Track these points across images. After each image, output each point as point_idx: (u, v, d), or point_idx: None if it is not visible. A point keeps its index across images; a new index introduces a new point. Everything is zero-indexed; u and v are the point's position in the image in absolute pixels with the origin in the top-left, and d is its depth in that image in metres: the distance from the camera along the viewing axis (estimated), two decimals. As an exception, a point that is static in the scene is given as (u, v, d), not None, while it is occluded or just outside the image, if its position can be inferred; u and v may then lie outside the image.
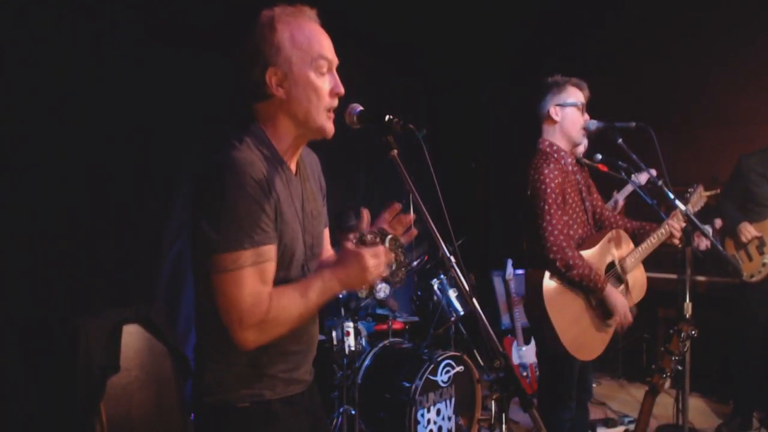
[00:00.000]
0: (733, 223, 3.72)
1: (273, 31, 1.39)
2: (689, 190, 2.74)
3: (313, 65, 1.40)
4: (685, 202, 2.67)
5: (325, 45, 1.43)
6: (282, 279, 1.42)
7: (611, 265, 2.68)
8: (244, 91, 1.44)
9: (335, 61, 1.45)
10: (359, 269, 1.34)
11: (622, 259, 2.70)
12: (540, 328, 2.55)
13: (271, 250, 1.35)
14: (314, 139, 1.49)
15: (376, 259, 1.35)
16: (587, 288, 2.53)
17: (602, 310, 2.61)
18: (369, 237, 1.38)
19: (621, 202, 3.81)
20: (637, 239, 2.74)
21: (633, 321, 2.61)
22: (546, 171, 2.53)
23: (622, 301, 2.57)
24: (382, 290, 1.30)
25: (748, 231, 3.64)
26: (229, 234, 1.29)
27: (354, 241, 1.38)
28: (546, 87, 2.69)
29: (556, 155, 2.63)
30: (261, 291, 1.31)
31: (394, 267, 1.45)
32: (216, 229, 1.29)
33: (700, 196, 2.75)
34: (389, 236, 1.43)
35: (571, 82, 2.67)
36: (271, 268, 1.35)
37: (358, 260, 1.34)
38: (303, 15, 1.43)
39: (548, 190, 2.50)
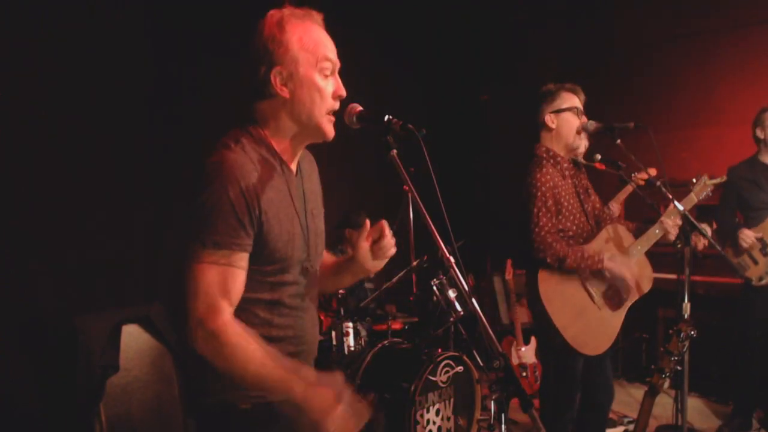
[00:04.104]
0: (732, 232, 3.73)
1: (282, 32, 1.41)
2: (693, 179, 2.75)
3: (318, 67, 1.42)
4: (689, 191, 2.69)
5: (330, 48, 1.45)
6: (281, 281, 1.43)
7: (612, 256, 2.67)
8: (247, 89, 1.45)
9: (338, 64, 1.47)
10: (323, 405, 1.29)
11: (623, 251, 2.70)
12: (543, 327, 2.56)
13: (234, 256, 1.33)
14: (315, 141, 1.51)
15: (343, 417, 1.28)
16: (588, 270, 2.53)
17: (612, 299, 2.60)
18: (360, 391, 1.35)
19: (618, 208, 3.80)
20: (642, 229, 2.73)
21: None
22: (538, 175, 2.56)
23: (623, 268, 2.54)
24: None
25: (748, 236, 3.65)
26: (199, 228, 1.32)
27: (364, 396, 1.36)
28: (540, 96, 2.72)
29: (552, 160, 2.65)
30: (219, 296, 1.31)
31: None
32: (191, 219, 1.34)
33: (704, 185, 2.75)
34: (376, 405, 1.38)
35: (565, 87, 2.70)
36: (233, 274, 1.33)
37: (330, 397, 1.29)
38: (311, 18, 1.45)
39: (538, 194, 2.53)
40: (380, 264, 1.63)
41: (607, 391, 2.77)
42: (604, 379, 2.74)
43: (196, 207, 1.33)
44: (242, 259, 1.36)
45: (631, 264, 2.58)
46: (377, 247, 1.59)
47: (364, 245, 1.59)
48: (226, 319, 1.31)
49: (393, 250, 1.61)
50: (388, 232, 1.59)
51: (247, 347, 1.31)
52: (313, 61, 1.42)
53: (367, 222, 1.60)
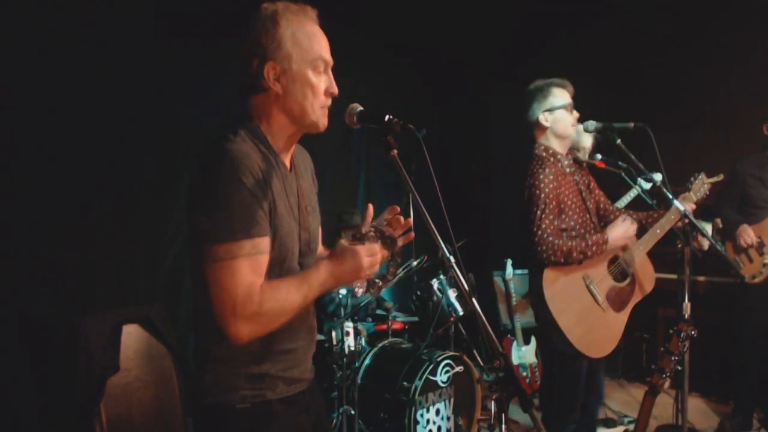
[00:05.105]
0: (732, 226, 3.73)
1: (276, 26, 1.41)
2: (691, 178, 2.75)
3: (312, 64, 1.43)
4: (687, 189, 2.69)
5: (323, 46, 1.46)
6: (278, 275, 1.42)
7: (614, 258, 2.67)
8: (240, 83, 1.45)
9: (331, 62, 1.48)
10: (354, 265, 1.36)
11: (625, 250, 2.69)
12: (547, 330, 2.55)
13: (263, 242, 1.35)
14: (308, 132, 1.50)
15: (371, 257, 1.37)
16: (596, 255, 2.52)
17: (616, 300, 2.59)
18: (366, 234, 1.39)
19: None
20: (645, 228, 2.73)
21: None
22: (541, 176, 2.54)
23: (620, 231, 2.55)
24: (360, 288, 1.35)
25: (748, 235, 3.65)
26: (223, 224, 1.30)
27: (351, 237, 1.39)
28: (531, 94, 2.68)
29: (552, 159, 2.64)
30: (254, 282, 1.31)
31: (386, 266, 1.46)
32: (210, 220, 1.30)
33: (702, 183, 2.75)
34: (386, 235, 1.42)
35: (554, 83, 2.67)
36: (264, 260, 1.35)
37: (353, 256, 1.35)
38: (305, 14, 1.45)
39: (542, 195, 2.51)
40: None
41: (596, 393, 2.76)
42: (594, 381, 2.73)
43: (215, 205, 1.30)
44: (268, 244, 1.37)
45: (623, 227, 2.58)
46: (389, 234, 1.55)
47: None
48: (260, 295, 1.31)
49: (409, 236, 1.55)
50: (402, 219, 1.52)
51: (277, 299, 1.33)
52: (307, 58, 1.42)
53: (370, 207, 1.56)
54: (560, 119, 2.64)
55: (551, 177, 2.54)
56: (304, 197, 1.54)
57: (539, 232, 2.49)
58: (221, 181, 1.31)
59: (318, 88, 1.44)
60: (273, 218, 1.38)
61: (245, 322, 1.30)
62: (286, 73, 1.41)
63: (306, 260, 1.53)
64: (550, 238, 2.48)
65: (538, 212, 2.50)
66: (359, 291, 1.44)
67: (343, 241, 1.37)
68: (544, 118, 2.65)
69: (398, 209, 1.54)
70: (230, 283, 1.29)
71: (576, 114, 2.67)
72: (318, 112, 1.45)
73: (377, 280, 1.45)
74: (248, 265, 1.31)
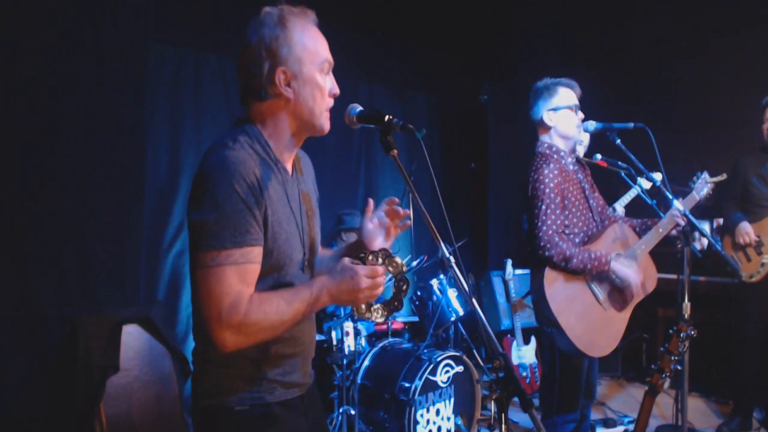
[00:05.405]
0: (734, 223, 3.73)
1: (284, 30, 1.40)
2: (693, 178, 2.75)
3: (320, 66, 1.43)
4: (689, 189, 2.69)
5: (326, 47, 1.47)
6: (279, 281, 1.42)
7: (616, 257, 2.66)
8: (244, 89, 1.44)
9: (333, 63, 1.48)
10: (352, 286, 1.32)
11: (628, 248, 2.69)
12: (548, 329, 2.55)
13: (253, 252, 1.33)
14: (311, 135, 1.51)
15: (372, 280, 1.32)
16: (593, 273, 2.51)
17: (617, 299, 2.59)
18: (370, 256, 1.35)
19: (621, 211, 3.80)
20: (642, 233, 2.73)
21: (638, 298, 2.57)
22: (546, 171, 2.53)
23: (629, 272, 2.52)
24: (379, 313, 1.32)
25: (747, 234, 3.65)
26: (213, 231, 1.29)
27: (354, 257, 1.36)
28: (537, 92, 2.67)
29: (555, 156, 2.63)
30: (241, 291, 1.30)
31: (391, 293, 1.40)
32: (201, 226, 1.30)
33: (704, 183, 2.75)
34: (391, 258, 1.37)
35: (562, 83, 2.65)
36: (253, 269, 1.34)
37: (352, 277, 1.32)
38: (307, 17, 1.46)
39: (546, 190, 2.50)
40: (388, 243, 1.60)
41: (588, 391, 2.76)
42: (590, 381, 2.72)
43: (207, 212, 1.30)
44: (259, 254, 1.35)
45: (635, 267, 2.56)
46: (388, 223, 1.57)
47: (368, 224, 1.58)
48: (247, 305, 1.30)
49: (405, 224, 1.58)
50: (400, 210, 1.56)
51: (265, 312, 1.30)
52: (316, 61, 1.42)
53: (370, 202, 1.59)
54: (564, 120, 2.63)
55: (556, 172, 2.53)
56: (305, 201, 1.53)
57: (545, 228, 2.48)
58: (214, 188, 1.30)
59: (325, 90, 1.44)
60: (270, 226, 1.38)
61: (230, 331, 1.29)
62: (296, 77, 1.41)
63: (309, 263, 1.52)
64: (556, 238, 2.48)
65: (543, 206, 2.49)
66: (379, 317, 1.38)
67: (346, 260, 1.34)
68: (548, 117, 2.64)
69: (397, 200, 1.56)
70: (217, 290, 1.29)
71: (581, 115, 2.66)
72: (324, 114, 1.46)
73: (380, 307, 1.39)
74: (236, 274, 1.30)
